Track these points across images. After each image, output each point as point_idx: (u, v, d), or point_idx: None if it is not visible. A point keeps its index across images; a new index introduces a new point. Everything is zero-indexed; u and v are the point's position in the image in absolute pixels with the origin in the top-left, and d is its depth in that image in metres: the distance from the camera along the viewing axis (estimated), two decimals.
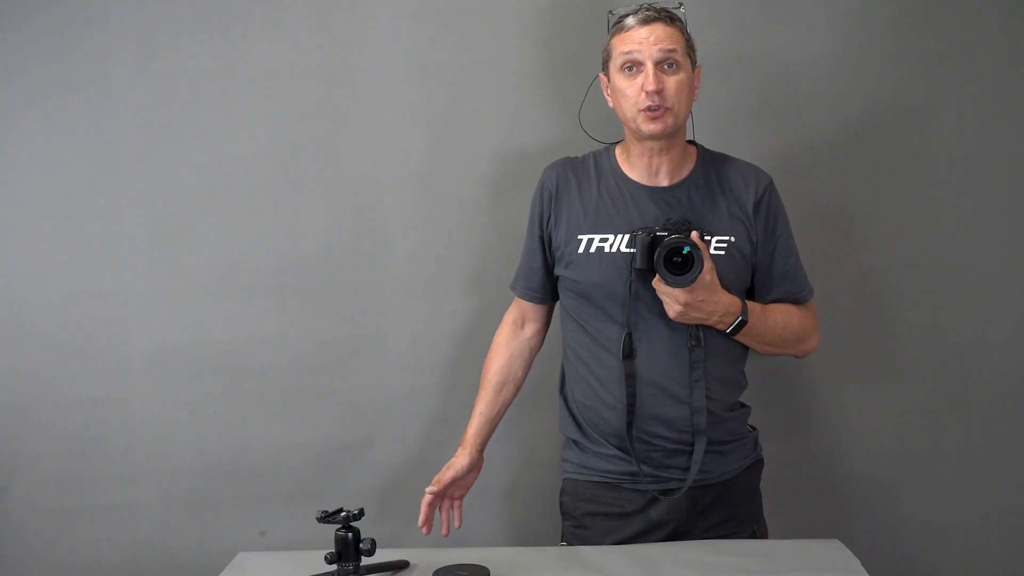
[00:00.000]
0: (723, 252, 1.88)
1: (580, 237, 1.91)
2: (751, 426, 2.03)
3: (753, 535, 1.96)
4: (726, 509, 1.93)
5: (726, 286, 1.85)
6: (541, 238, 1.98)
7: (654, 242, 1.79)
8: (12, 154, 2.34)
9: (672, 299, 1.79)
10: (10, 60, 2.31)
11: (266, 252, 2.36)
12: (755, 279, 1.95)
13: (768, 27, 2.33)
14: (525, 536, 2.36)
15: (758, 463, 2.02)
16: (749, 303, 1.88)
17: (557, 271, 1.96)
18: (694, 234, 1.79)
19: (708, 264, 1.78)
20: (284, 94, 2.34)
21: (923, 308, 2.39)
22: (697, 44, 2.22)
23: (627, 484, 1.92)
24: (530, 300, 2.04)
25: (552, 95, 2.27)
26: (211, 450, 2.38)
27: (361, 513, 1.66)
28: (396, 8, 2.33)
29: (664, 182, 1.92)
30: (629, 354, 1.86)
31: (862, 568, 1.70)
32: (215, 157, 2.35)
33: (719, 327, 1.85)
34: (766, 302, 1.95)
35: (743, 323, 1.85)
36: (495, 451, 2.36)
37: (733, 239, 1.89)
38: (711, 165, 1.95)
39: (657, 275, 1.79)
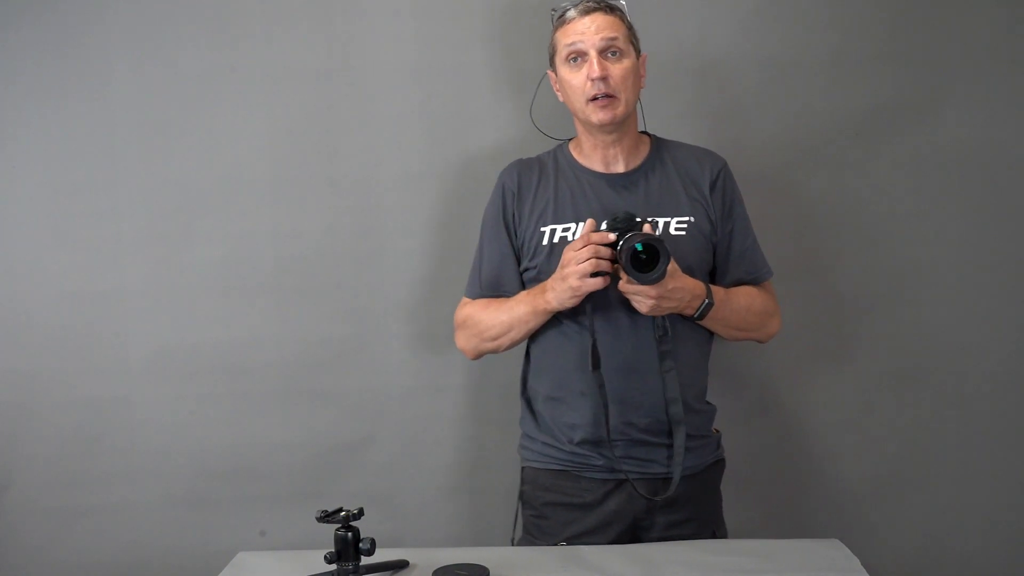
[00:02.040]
0: (684, 232, 1.91)
1: (543, 229, 1.92)
2: (715, 428, 2.03)
3: (713, 536, 1.97)
4: (687, 507, 1.93)
5: (691, 267, 1.88)
6: (510, 238, 1.97)
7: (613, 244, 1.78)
8: (12, 154, 2.34)
9: (643, 295, 1.78)
10: (10, 61, 2.32)
11: (265, 252, 2.36)
12: (715, 259, 1.97)
13: (768, 25, 2.33)
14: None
15: (719, 463, 2.03)
16: (712, 286, 1.89)
17: (523, 266, 1.96)
18: (647, 227, 1.79)
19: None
20: (283, 94, 2.34)
21: (923, 307, 2.38)
22: (699, 42, 2.24)
23: (587, 473, 1.91)
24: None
25: (550, 94, 2.26)
26: (211, 449, 2.38)
27: (361, 513, 1.65)
28: (394, 8, 2.33)
29: (620, 169, 1.95)
30: (594, 350, 1.84)
31: (862, 568, 1.69)
32: (214, 157, 2.35)
33: (687, 312, 1.86)
34: (727, 283, 1.97)
35: (710, 305, 1.86)
36: (493, 452, 2.37)
37: (693, 219, 1.92)
38: (665, 151, 1.99)
39: (622, 278, 1.78)
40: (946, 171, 2.36)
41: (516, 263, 1.98)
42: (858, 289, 2.39)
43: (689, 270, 1.87)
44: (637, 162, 1.96)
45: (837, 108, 2.35)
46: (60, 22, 2.31)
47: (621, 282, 1.79)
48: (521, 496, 2.01)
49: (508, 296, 1.96)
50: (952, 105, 2.35)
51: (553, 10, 1.95)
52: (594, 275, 1.78)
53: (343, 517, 1.63)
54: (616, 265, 1.79)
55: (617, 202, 1.91)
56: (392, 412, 2.39)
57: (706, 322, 1.90)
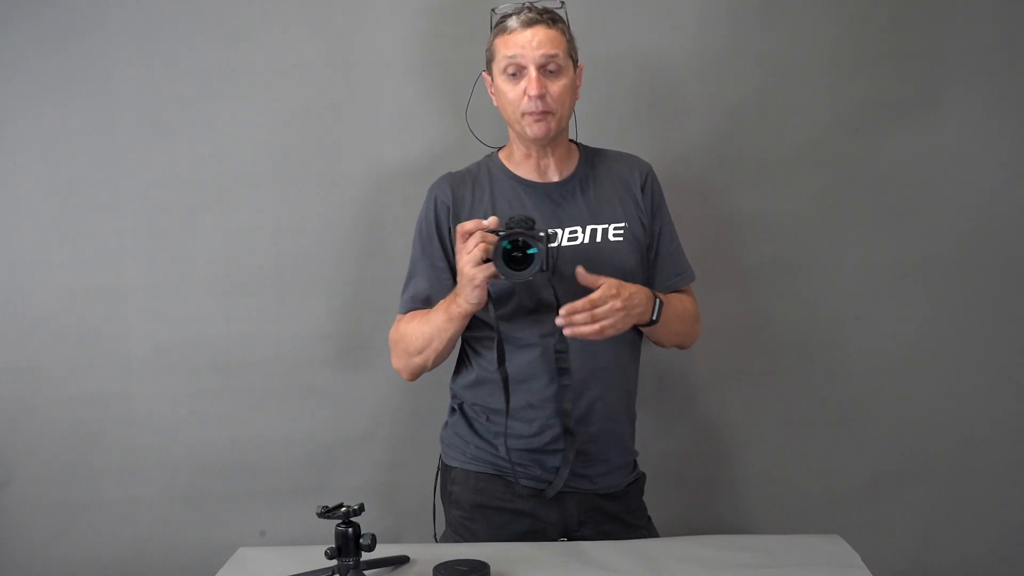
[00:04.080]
0: (621, 238, 1.92)
1: None
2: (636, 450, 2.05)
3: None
4: (616, 519, 1.95)
5: (631, 270, 1.90)
6: (445, 253, 1.94)
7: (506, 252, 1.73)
8: (13, 150, 2.34)
9: (609, 312, 1.75)
10: (11, 57, 2.32)
11: (266, 248, 2.36)
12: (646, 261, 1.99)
13: (769, 22, 2.33)
14: None
15: (641, 477, 2.05)
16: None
17: None
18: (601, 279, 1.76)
19: (606, 280, 1.77)
20: (284, 90, 2.34)
21: (923, 303, 2.39)
22: (700, 38, 2.23)
23: (521, 480, 1.92)
24: None
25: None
26: (211, 445, 2.38)
27: (361, 508, 1.65)
28: (394, 5, 2.33)
29: (555, 178, 1.95)
30: (499, 345, 1.84)
31: (862, 563, 1.69)
32: (215, 153, 2.35)
33: (644, 318, 1.86)
34: (658, 283, 1.98)
35: (662, 304, 1.88)
36: None
37: (627, 225, 1.93)
38: (595, 159, 2.00)
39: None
40: (946, 167, 2.37)
41: (450, 278, 1.93)
42: (858, 285, 2.39)
43: (630, 274, 1.89)
44: (570, 170, 1.97)
45: (837, 104, 2.35)
46: (61, 19, 2.31)
47: (575, 325, 1.76)
48: (449, 496, 2.00)
49: None
50: (952, 101, 2.35)
51: (493, 11, 1.92)
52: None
53: (344, 513, 1.62)
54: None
55: (556, 211, 1.92)
56: (392, 408, 2.40)
57: (655, 328, 1.90)
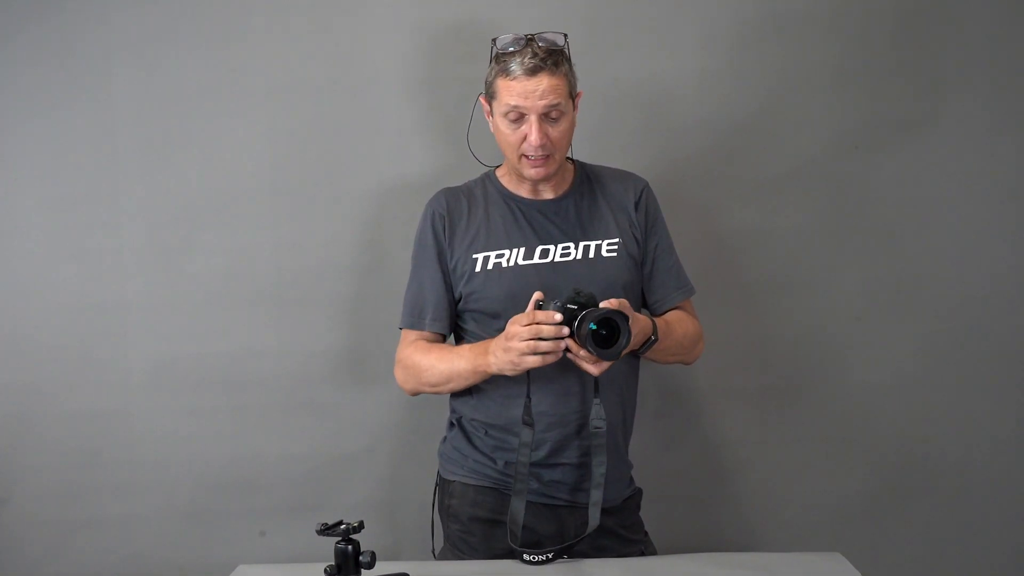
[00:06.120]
0: (615, 254, 1.94)
1: (475, 256, 1.92)
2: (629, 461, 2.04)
3: (642, 554, 1.98)
4: (612, 533, 1.93)
5: (625, 285, 1.91)
6: (441, 263, 1.95)
7: (572, 318, 1.72)
8: (12, 165, 2.34)
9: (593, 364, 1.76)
10: (10, 70, 2.32)
11: (267, 264, 2.36)
12: (643, 275, 2.00)
13: (765, 44, 2.34)
14: None
15: (638, 492, 2.05)
16: (655, 320, 1.91)
17: (457, 291, 1.96)
18: (613, 301, 1.74)
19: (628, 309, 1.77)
20: (285, 106, 2.35)
21: (923, 318, 2.39)
22: (700, 54, 2.23)
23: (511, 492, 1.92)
24: (438, 331, 1.98)
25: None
26: (211, 462, 2.38)
27: (361, 526, 1.65)
28: (397, 20, 2.34)
29: (549, 195, 1.98)
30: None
31: None
32: (216, 169, 2.35)
33: (631, 349, 1.85)
34: (655, 297, 2.00)
35: (654, 342, 1.87)
36: None
37: (621, 240, 1.95)
38: (590, 175, 2.02)
39: (571, 350, 1.74)
40: (945, 185, 2.37)
41: (445, 289, 1.96)
42: (858, 302, 2.39)
43: (625, 289, 1.90)
44: (565, 188, 1.99)
45: (836, 122, 2.36)
46: (60, 33, 2.32)
47: (574, 354, 1.76)
48: (447, 509, 2.00)
49: (434, 325, 1.96)
50: (951, 119, 2.36)
51: (494, 41, 1.90)
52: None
53: (343, 530, 1.62)
54: (570, 339, 1.74)
55: (549, 227, 1.94)
56: (392, 424, 2.39)
57: (649, 353, 1.91)
